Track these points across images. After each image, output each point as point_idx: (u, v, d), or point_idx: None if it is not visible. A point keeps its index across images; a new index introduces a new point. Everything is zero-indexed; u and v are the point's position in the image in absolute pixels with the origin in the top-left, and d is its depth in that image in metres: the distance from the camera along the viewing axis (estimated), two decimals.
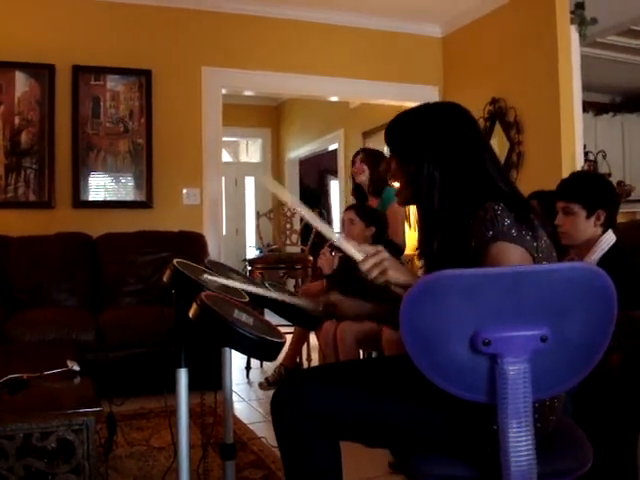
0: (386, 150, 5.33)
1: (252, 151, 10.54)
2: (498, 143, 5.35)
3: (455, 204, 1.65)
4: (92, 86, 5.20)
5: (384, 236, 4.05)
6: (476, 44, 5.85)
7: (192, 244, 5.09)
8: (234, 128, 8.54)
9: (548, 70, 4.97)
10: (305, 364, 4.97)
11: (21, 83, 5.00)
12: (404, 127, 1.79)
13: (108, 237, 4.98)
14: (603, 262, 2.57)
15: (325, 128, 8.65)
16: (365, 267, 1.58)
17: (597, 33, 5.44)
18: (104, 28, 5.21)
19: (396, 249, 4.21)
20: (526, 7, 5.20)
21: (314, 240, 5.64)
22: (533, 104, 5.16)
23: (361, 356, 4.02)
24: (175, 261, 1.85)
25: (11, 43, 4.95)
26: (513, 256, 1.48)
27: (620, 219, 3.00)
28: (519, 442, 1.28)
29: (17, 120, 5.00)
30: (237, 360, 5.10)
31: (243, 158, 10.75)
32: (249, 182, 10.10)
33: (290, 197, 1.82)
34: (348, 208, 4.11)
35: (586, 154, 6.00)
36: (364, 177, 4.66)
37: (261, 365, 5.47)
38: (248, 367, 5.22)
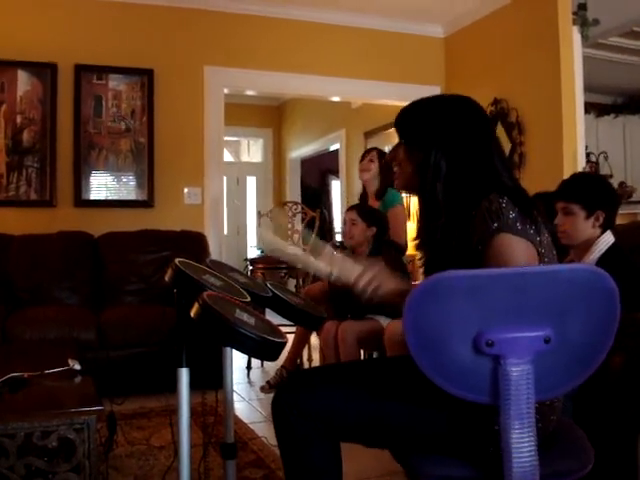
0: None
1: (254, 151, 10.54)
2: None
3: (459, 196, 1.65)
4: (94, 85, 5.21)
5: (385, 236, 4.05)
6: (478, 45, 5.85)
7: (193, 243, 5.09)
8: (236, 128, 8.54)
9: (550, 71, 4.97)
10: (306, 364, 4.97)
11: (23, 82, 5.00)
12: (416, 114, 1.79)
13: (109, 236, 4.99)
14: (601, 262, 2.57)
15: (327, 128, 8.64)
16: (360, 287, 1.60)
17: (599, 34, 5.44)
18: (106, 27, 5.21)
19: (398, 249, 4.22)
20: (528, 8, 5.20)
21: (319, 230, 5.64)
22: (535, 105, 5.16)
23: (362, 356, 4.02)
24: (177, 260, 1.85)
25: (13, 42, 4.96)
26: (518, 249, 1.48)
27: (621, 220, 3.00)
28: (522, 443, 1.28)
29: (19, 119, 5.01)
30: (238, 360, 5.10)
31: (245, 158, 10.74)
32: (250, 182, 10.10)
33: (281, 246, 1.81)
34: (350, 208, 4.11)
35: (588, 155, 6.00)
36: (369, 175, 4.63)
37: (262, 365, 5.47)
38: (249, 367, 5.22)
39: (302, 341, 4.60)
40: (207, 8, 5.49)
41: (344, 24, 5.91)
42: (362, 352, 4.00)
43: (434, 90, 6.13)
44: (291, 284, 6.02)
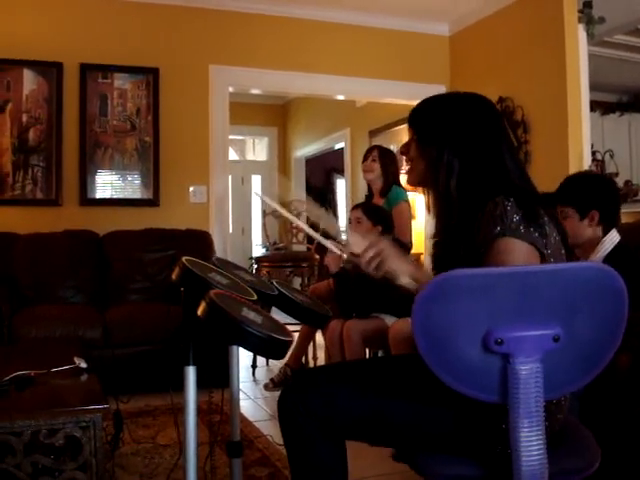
0: (396, 150, 5.33)
1: (259, 149, 10.54)
2: None
3: (471, 194, 1.64)
4: (100, 84, 5.22)
5: (391, 235, 4.05)
6: (483, 43, 5.84)
7: (198, 242, 5.10)
8: (241, 126, 8.53)
9: (555, 69, 4.96)
10: (311, 363, 4.97)
11: (29, 81, 5.01)
12: (430, 112, 1.79)
13: (115, 235, 4.99)
14: (607, 261, 2.56)
15: (332, 127, 8.64)
16: (364, 258, 1.59)
17: (605, 32, 5.42)
18: (112, 26, 5.22)
19: (403, 248, 4.21)
20: (533, 6, 5.19)
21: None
22: (540, 103, 5.15)
23: (367, 355, 4.02)
24: (184, 259, 1.85)
25: (19, 41, 4.97)
26: (519, 253, 1.47)
27: (627, 219, 3.00)
28: (530, 442, 1.28)
29: (25, 118, 5.02)
30: (243, 358, 5.10)
31: (250, 156, 10.74)
32: (256, 180, 10.10)
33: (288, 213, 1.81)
34: (355, 207, 4.10)
35: (593, 154, 5.99)
36: (373, 176, 4.63)
37: (267, 363, 5.47)
38: (254, 365, 5.22)
39: (307, 339, 4.60)
40: (212, 7, 5.49)
41: (349, 23, 5.91)
42: (367, 351, 4.00)
43: (439, 89, 6.11)
44: (296, 282, 6.02)
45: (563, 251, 1.60)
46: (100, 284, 4.84)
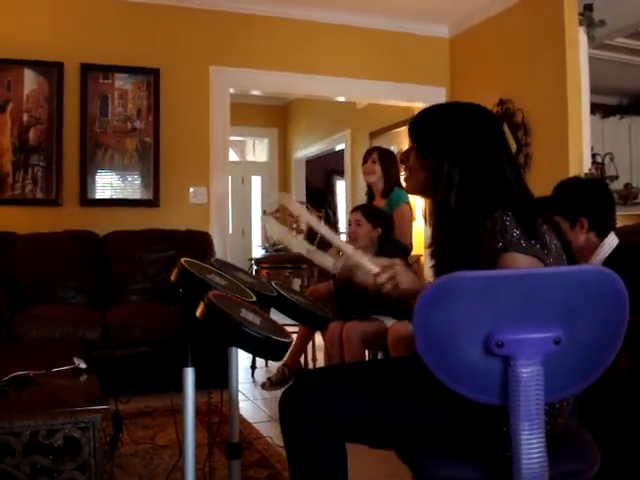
0: (396, 151, 5.33)
1: (259, 151, 10.54)
2: None
3: (470, 206, 1.64)
4: (100, 84, 5.22)
5: (390, 237, 4.05)
6: (484, 45, 5.84)
7: (198, 243, 5.10)
8: (241, 127, 8.53)
9: (556, 72, 4.96)
10: (310, 364, 4.97)
11: (30, 81, 5.01)
12: (430, 121, 1.80)
13: (115, 235, 4.99)
14: (606, 265, 2.55)
15: (332, 128, 8.64)
16: (380, 280, 1.61)
17: (605, 35, 5.41)
18: (113, 27, 5.23)
19: (403, 250, 4.21)
20: (534, 8, 5.19)
21: (320, 240, 5.64)
22: (541, 106, 5.15)
23: (367, 356, 4.02)
24: (183, 260, 1.85)
25: (20, 41, 4.97)
26: (524, 266, 1.47)
27: (627, 221, 2.99)
28: (531, 444, 1.27)
29: (25, 117, 5.02)
30: (242, 359, 5.10)
31: (250, 157, 10.74)
32: (255, 181, 10.11)
33: (305, 212, 1.82)
34: (355, 209, 4.11)
35: (593, 156, 5.98)
36: (374, 178, 4.62)
37: (266, 364, 5.47)
38: (253, 366, 5.22)
39: (305, 340, 4.59)
40: (213, 8, 5.49)
41: (349, 24, 5.91)
42: (367, 352, 4.00)
43: (439, 91, 6.13)
44: (296, 284, 6.02)
45: (565, 257, 1.59)
46: (100, 284, 4.84)
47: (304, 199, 8.85)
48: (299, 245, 1.75)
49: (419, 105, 6.07)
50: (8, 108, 4.96)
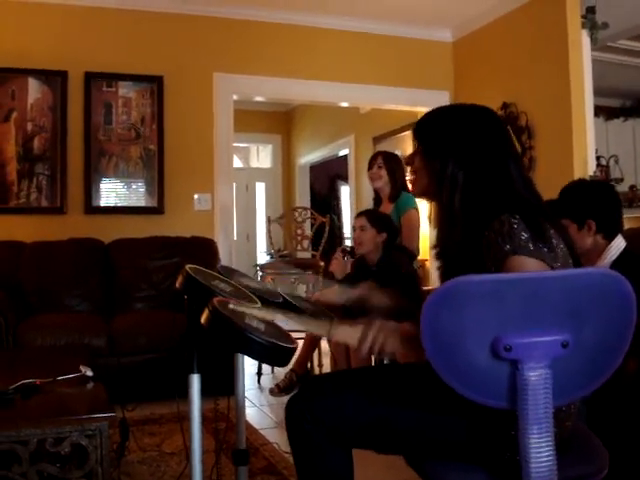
0: (401, 155, 5.33)
1: (263, 157, 10.56)
2: None
3: (475, 208, 1.64)
4: (104, 92, 5.23)
5: (396, 242, 4.04)
6: (487, 49, 5.84)
7: (203, 250, 5.10)
8: (245, 134, 8.54)
9: (559, 74, 4.96)
10: (316, 370, 4.96)
11: (34, 89, 5.03)
12: (435, 122, 1.79)
13: (120, 243, 5.00)
14: (614, 268, 2.54)
15: (336, 133, 8.65)
16: (364, 351, 1.60)
17: (608, 37, 5.42)
18: (116, 35, 5.24)
19: (408, 255, 4.20)
20: (536, 12, 5.19)
21: (325, 245, 5.64)
22: (544, 109, 5.15)
23: (373, 362, 4.01)
24: (187, 267, 1.85)
25: (24, 50, 4.99)
26: (532, 270, 1.47)
27: (632, 224, 2.98)
28: (540, 448, 1.27)
29: (30, 126, 5.03)
30: (248, 366, 5.10)
31: (254, 164, 10.76)
32: (260, 188, 10.12)
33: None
34: (359, 214, 4.10)
35: (598, 159, 5.97)
36: (381, 183, 4.61)
37: (272, 371, 5.46)
38: (259, 373, 5.21)
39: (312, 345, 4.58)
40: (216, 15, 5.50)
41: (352, 30, 5.92)
42: (373, 358, 3.98)
43: (442, 95, 6.12)
44: (301, 290, 6.02)
45: (571, 261, 1.59)
46: (105, 292, 4.84)
47: (308, 205, 8.85)
48: (285, 318, 1.73)
49: (422, 109, 6.05)
50: (12, 117, 4.98)
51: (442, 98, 6.06)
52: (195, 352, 1.80)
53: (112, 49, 5.23)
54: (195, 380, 1.80)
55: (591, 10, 4.87)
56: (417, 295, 3.33)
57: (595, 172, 5.05)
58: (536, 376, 1.26)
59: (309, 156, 9.50)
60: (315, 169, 9.93)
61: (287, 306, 2.11)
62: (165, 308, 4.61)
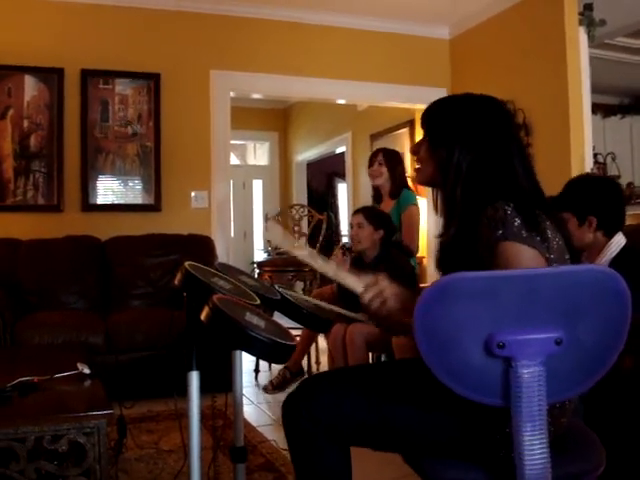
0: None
1: (260, 154, 10.55)
2: None
3: (474, 197, 1.64)
4: (101, 90, 5.22)
5: (393, 239, 4.05)
6: (484, 46, 5.84)
7: (200, 247, 5.10)
8: (242, 131, 8.54)
9: (556, 72, 4.96)
10: (314, 367, 4.97)
11: (30, 87, 5.02)
12: (442, 112, 1.79)
13: (117, 240, 5.00)
14: (613, 265, 2.55)
15: (333, 131, 8.64)
16: (365, 299, 1.60)
17: (605, 34, 5.41)
18: (113, 32, 5.23)
19: (406, 252, 4.21)
20: (534, 9, 5.19)
21: (322, 243, 5.64)
22: (542, 106, 5.15)
23: (370, 359, 4.01)
24: (187, 264, 1.85)
25: (20, 47, 4.98)
26: (523, 257, 1.47)
27: (630, 221, 2.97)
28: (533, 445, 1.27)
29: (26, 124, 5.02)
30: (246, 363, 5.09)
31: (251, 161, 10.75)
32: (257, 185, 10.11)
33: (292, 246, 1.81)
34: (356, 212, 4.10)
35: (595, 156, 5.99)
36: (382, 180, 4.62)
37: (269, 368, 5.46)
38: (257, 370, 5.22)
39: (307, 342, 4.59)
40: (213, 12, 5.50)
41: (350, 27, 5.91)
42: (370, 355, 3.99)
43: (440, 92, 6.11)
44: (298, 287, 6.01)
45: (567, 256, 1.59)
46: (102, 290, 4.85)
47: (305, 202, 8.85)
48: (300, 250, 1.74)
49: (420, 107, 6.07)
50: (9, 114, 4.97)
51: (439, 95, 5.86)
52: (194, 349, 1.80)
53: (109, 46, 5.22)
54: (194, 377, 1.80)
55: (588, 7, 4.87)
56: (415, 292, 3.34)
57: (592, 169, 5.06)
58: (529, 373, 1.27)
59: (306, 153, 9.49)
60: (312, 166, 9.92)
61: (285, 304, 2.11)
62: (162, 305, 4.61)
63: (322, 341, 4.83)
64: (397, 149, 5.58)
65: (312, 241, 6.00)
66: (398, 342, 3.50)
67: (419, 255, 4.92)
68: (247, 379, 5.06)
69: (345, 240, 8.85)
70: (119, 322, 4.36)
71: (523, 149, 1.76)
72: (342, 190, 10.46)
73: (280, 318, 2.06)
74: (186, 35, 5.45)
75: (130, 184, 5.32)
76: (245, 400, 4.37)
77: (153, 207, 5.34)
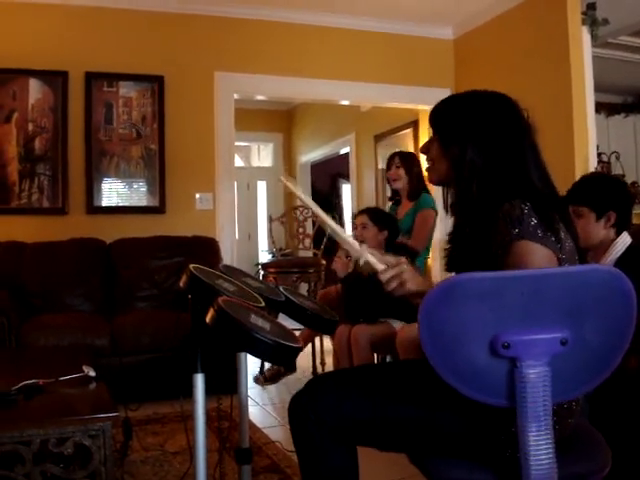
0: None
1: (264, 155, 10.55)
2: None
3: (489, 194, 1.63)
4: (105, 92, 5.23)
5: (397, 239, 4.04)
6: (488, 46, 5.83)
7: (205, 249, 5.10)
8: (246, 133, 8.54)
9: (560, 71, 4.95)
10: (319, 368, 4.96)
11: (35, 90, 5.03)
12: (453, 109, 1.79)
13: (122, 242, 5.00)
14: (619, 264, 2.54)
15: (337, 132, 8.65)
16: (384, 278, 1.59)
17: (608, 34, 5.41)
18: (116, 35, 5.24)
19: (411, 253, 4.20)
20: (537, 8, 5.18)
21: (327, 244, 5.64)
22: (545, 105, 5.13)
23: (375, 360, 4.01)
24: (191, 266, 1.85)
25: (25, 51, 4.99)
26: (538, 256, 1.47)
27: (634, 220, 2.97)
28: (539, 446, 1.27)
29: (31, 127, 5.04)
30: (251, 364, 5.09)
31: (255, 163, 10.76)
32: (261, 186, 10.12)
33: (309, 200, 1.81)
34: (360, 212, 4.10)
35: (599, 155, 5.97)
36: (401, 184, 4.63)
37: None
38: (262, 372, 5.21)
39: (307, 340, 4.59)
40: (217, 14, 5.50)
41: (353, 28, 5.91)
42: (375, 356, 3.99)
43: (444, 92, 6.03)
44: (303, 288, 6.01)
45: (577, 257, 1.59)
46: (107, 292, 4.85)
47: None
48: (327, 219, 1.72)
49: (424, 107, 6.07)
50: (13, 118, 4.98)
51: (443, 96, 5.92)
52: (200, 351, 1.80)
53: (112, 49, 5.23)
54: (199, 379, 1.80)
55: (591, 6, 4.86)
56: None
57: (596, 169, 5.04)
58: (535, 373, 1.27)
59: (310, 154, 9.50)
60: (316, 167, 9.93)
61: (289, 305, 2.11)
62: (167, 307, 4.62)
63: (327, 342, 4.83)
64: (402, 150, 5.59)
65: (317, 242, 6.00)
66: (402, 343, 3.50)
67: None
68: (252, 380, 5.05)
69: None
70: (124, 324, 4.37)
71: (536, 145, 1.74)
72: (346, 191, 10.46)
73: (285, 320, 2.06)
74: (190, 37, 5.45)
75: (135, 186, 5.32)
76: (250, 401, 4.37)
77: (158, 209, 5.35)
